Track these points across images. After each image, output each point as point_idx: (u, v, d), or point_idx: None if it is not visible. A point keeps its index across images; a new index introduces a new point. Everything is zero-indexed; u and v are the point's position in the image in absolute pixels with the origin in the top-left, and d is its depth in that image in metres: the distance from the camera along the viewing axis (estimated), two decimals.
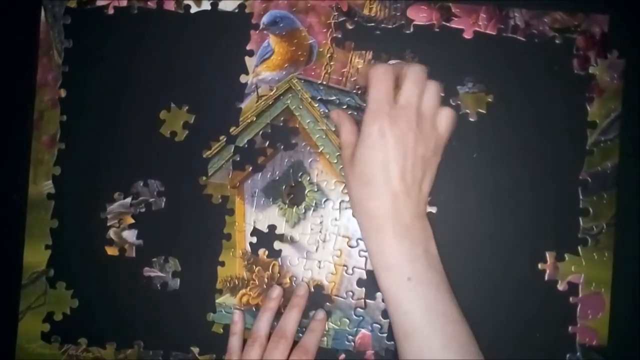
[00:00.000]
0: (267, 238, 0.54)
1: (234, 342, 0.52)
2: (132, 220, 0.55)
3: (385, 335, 0.53)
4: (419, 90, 0.45)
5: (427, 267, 0.44)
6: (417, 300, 0.44)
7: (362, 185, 0.45)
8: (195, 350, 0.54)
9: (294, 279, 0.54)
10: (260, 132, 0.55)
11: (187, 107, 0.55)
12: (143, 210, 0.55)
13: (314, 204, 0.54)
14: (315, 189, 0.54)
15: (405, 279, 0.44)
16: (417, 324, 0.43)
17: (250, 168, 0.55)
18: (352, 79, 0.55)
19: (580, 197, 0.53)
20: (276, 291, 0.53)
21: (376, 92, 0.45)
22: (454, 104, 0.53)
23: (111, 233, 0.55)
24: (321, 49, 0.55)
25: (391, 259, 0.44)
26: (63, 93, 0.56)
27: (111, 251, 0.55)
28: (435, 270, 0.45)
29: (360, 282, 0.53)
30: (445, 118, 0.47)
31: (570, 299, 0.52)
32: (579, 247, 0.52)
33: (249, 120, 0.55)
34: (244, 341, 0.52)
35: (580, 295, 0.52)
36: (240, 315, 0.53)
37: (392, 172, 0.44)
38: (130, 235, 0.55)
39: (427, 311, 0.43)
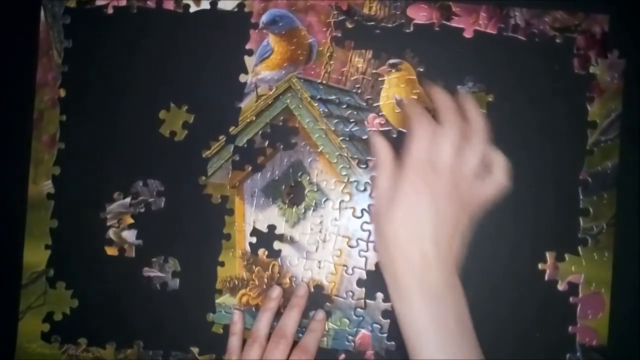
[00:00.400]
0: (266, 238, 0.54)
1: (234, 342, 0.52)
2: (131, 220, 0.55)
3: (385, 335, 0.53)
4: (455, 150, 0.44)
5: (456, 325, 0.43)
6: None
7: (392, 246, 0.44)
8: (195, 350, 0.54)
9: (294, 279, 0.54)
10: (260, 132, 0.55)
11: (186, 107, 0.55)
12: (143, 210, 0.55)
13: (313, 204, 0.54)
14: (315, 189, 0.54)
15: (433, 343, 0.42)
16: None
17: (250, 168, 0.55)
18: (352, 78, 0.55)
19: (580, 197, 0.53)
20: (276, 291, 0.53)
21: (415, 150, 0.44)
22: None
23: (111, 233, 0.55)
24: (321, 48, 0.55)
25: (420, 325, 0.43)
26: (63, 93, 0.56)
27: (111, 251, 0.55)
28: (465, 331, 0.43)
29: (360, 282, 0.53)
30: (490, 186, 0.46)
31: (570, 299, 0.52)
32: (579, 247, 0.52)
33: (248, 120, 0.55)
34: (244, 341, 0.52)
35: (580, 295, 0.52)
36: (240, 316, 0.53)
37: (425, 236, 0.43)
38: (129, 235, 0.55)
39: None
